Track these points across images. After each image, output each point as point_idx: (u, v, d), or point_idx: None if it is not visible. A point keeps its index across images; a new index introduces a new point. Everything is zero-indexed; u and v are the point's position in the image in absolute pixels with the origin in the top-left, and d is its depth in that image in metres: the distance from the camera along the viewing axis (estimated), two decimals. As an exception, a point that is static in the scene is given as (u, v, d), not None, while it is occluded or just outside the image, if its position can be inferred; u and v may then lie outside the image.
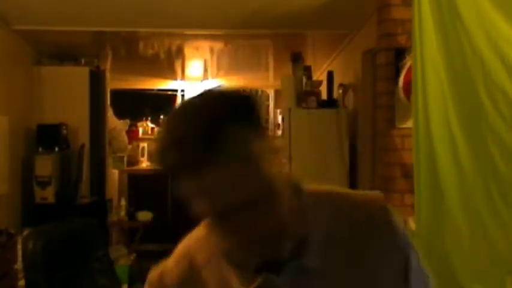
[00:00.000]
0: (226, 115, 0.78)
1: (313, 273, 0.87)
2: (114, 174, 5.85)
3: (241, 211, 0.78)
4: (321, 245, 0.87)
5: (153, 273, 0.98)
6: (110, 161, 5.56)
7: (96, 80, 5.05)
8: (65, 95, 4.86)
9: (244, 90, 0.86)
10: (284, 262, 0.86)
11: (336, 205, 0.93)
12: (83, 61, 5.05)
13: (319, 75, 5.50)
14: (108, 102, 5.33)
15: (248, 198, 0.78)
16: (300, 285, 0.87)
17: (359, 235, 0.90)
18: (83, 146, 4.75)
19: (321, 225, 0.89)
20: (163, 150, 0.79)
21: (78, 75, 4.95)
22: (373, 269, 0.89)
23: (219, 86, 0.85)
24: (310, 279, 0.87)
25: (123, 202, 5.32)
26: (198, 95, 0.84)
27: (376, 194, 0.98)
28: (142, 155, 6.87)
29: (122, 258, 4.46)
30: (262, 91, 7.45)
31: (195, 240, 0.98)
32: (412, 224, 3.07)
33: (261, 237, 0.82)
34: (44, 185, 4.43)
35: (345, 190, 1.01)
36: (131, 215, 5.28)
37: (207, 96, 0.83)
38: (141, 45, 5.09)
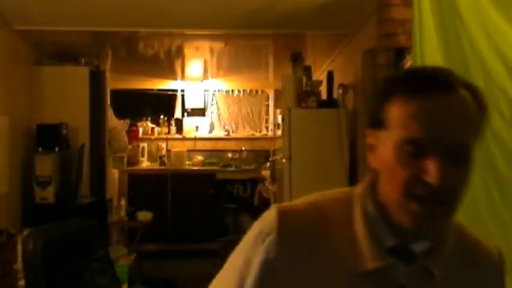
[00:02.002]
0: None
1: (433, 280, 0.89)
2: (114, 174, 5.85)
3: (450, 155, 0.84)
4: (446, 259, 0.91)
5: (284, 207, 0.95)
6: (110, 161, 5.56)
7: (96, 80, 5.05)
8: (65, 95, 4.86)
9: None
10: (414, 258, 0.89)
11: (461, 235, 0.98)
12: (83, 61, 5.05)
13: (319, 75, 5.50)
14: (108, 102, 5.33)
15: (463, 146, 0.86)
16: (417, 284, 0.89)
17: (470, 271, 0.96)
18: (83, 146, 4.75)
19: (450, 243, 0.93)
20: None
21: (78, 75, 4.95)
22: None
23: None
24: (427, 285, 0.90)
25: (123, 202, 5.32)
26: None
27: (496, 248, 1.03)
28: (142, 155, 6.87)
29: (122, 258, 4.46)
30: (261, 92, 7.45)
31: (329, 199, 0.97)
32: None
33: (430, 195, 0.83)
34: (44, 185, 4.43)
35: (471, 231, 1.05)
36: (131, 215, 5.28)
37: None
38: (141, 45, 5.09)
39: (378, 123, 0.89)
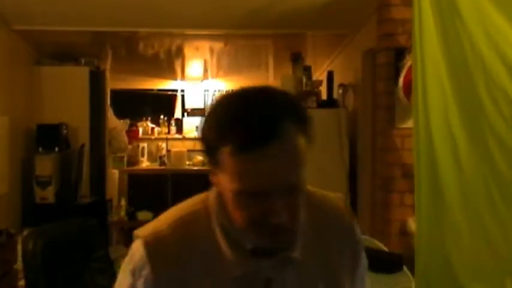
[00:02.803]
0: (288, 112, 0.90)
1: (295, 264, 0.99)
2: (114, 174, 5.85)
3: (285, 193, 0.88)
4: (301, 239, 0.99)
5: (149, 238, 0.99)
6: (109, 161, 5.56)
7: (96, 80, 5.04)
8: (65, 95, 4.86)
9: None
10: (276, 251, 0.96)
11: (313, 202, 1.05)
12: (83, 61, 5.05)
13: (319, 75, 5.50)
14: (108, 102, 5.33)
15: (295, 183, 0.89)
16: (283, 271, 0.98)
17: (328, 231, 1.06)
18: (82, 146, 4.75)
19: (303, 219, 0.98)
20: (246, 122, 0.86)
21: (78, 75, 4.95)
22: (333, 263, 1.05)
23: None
24: (291, 267, 0.98)
25: (123, 202, 5.32)
26: (258, 89, 0.96)
27: (340, 195, 1.09)
28: (142, 155, 6.87)
29: (122, 258, 4.45)
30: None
31: (189, 211, 1.02)
32: (412, 224, 3.07)
33: (275, 230, 0.89)
34: (44, 185, 4.43)
35: (315, 189, 1.11)
36: (131, 215, 5.28)
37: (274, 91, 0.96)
38: (141, 45, 5.09)
39: (215, 162, 0.91)
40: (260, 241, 0.93)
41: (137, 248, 0.98)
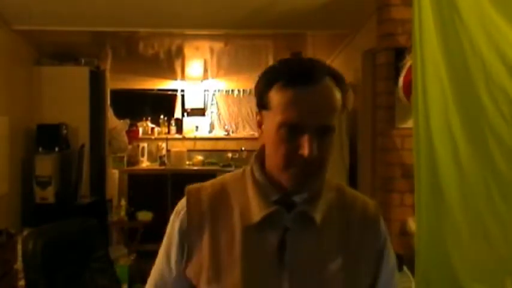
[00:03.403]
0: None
1: (313, 225, 1.12)
2: (114, 174, 5.85)
3: (318, 132, 1.05)
4: (324, 210, 1.14)
5: (192, 187, 1.21)
6: (109, 161, 5.56)
7: (96, 80, 5.05)
8: (65, 95, 4.86)
9: None
10: (295, 204, 1.12)
11: (340, 191, 1.21)
12: (83, 61, 5.05)
13: (319, 75, 5.50)
14: (108, 102, 5.33)
15: (328, 125, 1.07)
16: (301, 226, 1.11)
17: (351, 218, 1.17)
18: (82, 146, 4.75)
19: (328, 198, 1.16)
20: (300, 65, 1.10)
21: (78, 75, 4.95)
22: (355, 246, 1.15)
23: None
24: (310, 228, 1.12)
25: (123, 202, 5.32)
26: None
27: (375, 201, 1.25)
28: (142, 155, 6.87)
29: (122, 258, 4.46)
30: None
31: (231, 175, 1.23)
32: (412, 224, 3.07)
33: (305, 163, 1.05)
34: (44, 185, 4.43)
35: (352, 189, 1.26)
36: (131, 215, 5.27)
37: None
38: (141, 45, 5.09)
39: (263, 105, 1.11)
40: (290, 177, 1.07)
41: (183, 197, 1.19)
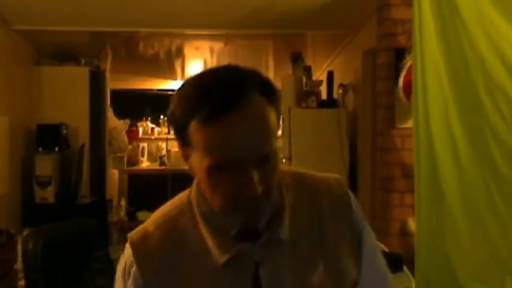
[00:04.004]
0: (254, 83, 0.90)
1: (283, 244, 0.96)
2: (114, 174, 5.85)
3: (257, 164, 0.86)
4: (289, 218, 0.97)
5: (134, 236, 1.02)
6: (110, 161, 5.56)
7: (96, 80, 5.05)
8: (65, 95, 4.86)
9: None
10: (259, 233, 0.95)
11: (300, 182, 1.04)
12: (83, 61, 5.05)
13: (319, 75, 5.50)
14: (108, 102, 5.33)
15: (265, 152, 0.88)
16: (272, 254, 0.95)
17: (320, 209, 1.01)
18: (83, 146, 4.75)
19: (289, 200, 0.99)
20: (214, 89, 0.87)
21: (78, 75, 4.95)
22: (332, 240, 1.00)
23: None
24: (281, 249, 0.96)
25: (123, 202, 5.32)
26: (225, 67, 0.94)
27: (335, 175, 1.09)
28: (142, 155, 6.87)
29: (122, 258, 4.45)
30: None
31: (174, 206, 1.03)
32: (412, 224, 3.07)
33: (251, 202, 0.88)
34: (44, 185, 4.43)
35: (306, 170, 1.09)
36: (131, 215, 5.27)
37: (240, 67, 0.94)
38: (141, 45, 5.09)
39: (184, 142, 0.91)
40: (239, 219, 0.92)
41: (126, 248, 1.01)
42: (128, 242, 1.01)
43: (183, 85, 0.93)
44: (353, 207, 1.04)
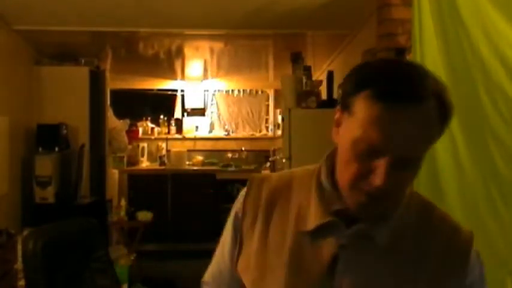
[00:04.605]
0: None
1: (374, 245, 0.95)
2: (114, 174, 5.85)
3: (400, 165, 0.87)
4: (397, 231, 0.96)
5: (258, 176, 1.12)
6: (110, 161, 5.56)
7: (96, 80, 5.05)
8: (65, 95, 4.86)
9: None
10: (357, 219, 0.96)
11: (426, 212, 1.01)
12: (83, 61, 5.05)
13: (319, 75, 5.50)
14: (108, 102, 5.33)
15: (414, 157, 0.89)
16: (359, 246, 0.96)
17: (431, 248, 0.97)
18: (83, 146, 4.75)
19: (404, 220, 0.97)
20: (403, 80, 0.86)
21: (78, 75, 4.95)
22: (427, 285, 0.95)
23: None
24: (369, 248, 0.96)
25: (123, 202, 5.32)
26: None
27: (470, 231, 1.03)
28: (142, 155, 6.87)
29: (122, 258, 4.46)
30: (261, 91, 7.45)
31: (301, 171, 1.10)
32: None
33: (372, 194, 0.88)
34: (44, 185, 4.43)
35: (443, 211, 1.06)
36: (131, 215, 5.27)
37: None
38: (141, 45, 5.09)
39: (346, 106, 0.91)
40: (351, 200, 0.93)
41: (248, 182, 1.11)
42: (249, 177, 1.11)
43: (361, 65, 0.94)
44: (471, 259, 0.98)
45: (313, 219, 0.98)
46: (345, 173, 0.92)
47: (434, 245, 0.97)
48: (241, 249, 1.06)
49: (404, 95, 0.84)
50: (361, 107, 0.87)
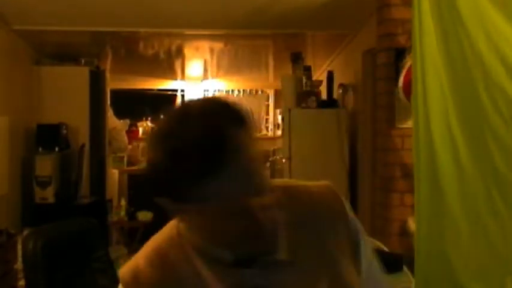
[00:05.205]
0: (231, 122, 0.84)
1: (282, 264, 0.93)
2: (114, 174, 5.85)
3: (245, 210, 0.83)
4: (287, 237, 0.94)
5: (126, 275, 0.98)
6: (109, 161, 5.56)
7: (96, 80, 5.05)
8: (65, 95, 4.87)
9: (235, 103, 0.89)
10: (256, 257, 0.91)
11: (293, 197, 1.01)
12: (83, 61, 5.06)
13: (319, 75, 5.51)
14: (108, 102, 5.33)
15: (254, 193, 0.84)
16: (272, 276, 0.92)
17: (318, 223, 0.99)
18: (83, 146, 4.75)
19: (285, 218, 0.95)
20: (182, 154, 0.83)
21: (78, 75, 4.95)
22: (333, 252, 0.97)
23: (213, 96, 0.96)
24: (280, 270, 0.93)
25: (123, 202, 5.33)
26: (198, 101, 0.92)
27: (326, 183, 1.06)
28: (143, 155, 6.86)
29: (122, 258, 4.46)
30: (262, 91, 7.46)
31: (164, 239, 1.00)
32: (412, 224, 3.07)
33: (243, 235, 0.86)
34: (44, 185, 4.43)
35: (298, 182, 1.07)
36: (131, 215, 5.28)
37: (210, 103, 0.90)
38: (141, 45, 5.09)
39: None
40: (241, 251, 0.90)
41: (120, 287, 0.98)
42: (120, 282, 0.98)
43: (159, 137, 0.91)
44: (349, 216, 1.02)
45: (216, 282, 0.91)
46: (216, 237, 0.90)
47: (317, 219, 0.99)
48: None
49: (213, 166, 0.81)
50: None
